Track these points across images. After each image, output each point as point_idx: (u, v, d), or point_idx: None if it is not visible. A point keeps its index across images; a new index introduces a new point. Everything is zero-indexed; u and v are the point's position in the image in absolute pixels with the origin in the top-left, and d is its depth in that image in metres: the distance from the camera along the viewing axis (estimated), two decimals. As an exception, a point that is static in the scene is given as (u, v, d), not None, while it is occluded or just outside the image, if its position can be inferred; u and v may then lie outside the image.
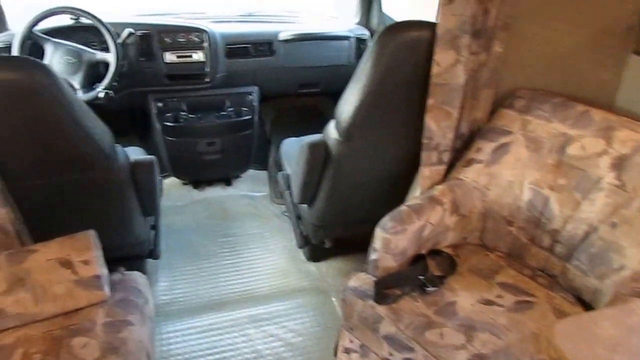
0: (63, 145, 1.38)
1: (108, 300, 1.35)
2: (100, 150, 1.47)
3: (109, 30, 2.04)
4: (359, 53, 2.60)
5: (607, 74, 1.54)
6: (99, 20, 2.03)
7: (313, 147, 1.75)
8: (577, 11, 1.53)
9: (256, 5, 2.85)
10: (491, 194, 1.59)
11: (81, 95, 1.99)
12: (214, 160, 2.54)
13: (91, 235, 1.37)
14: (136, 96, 2.37)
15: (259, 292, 2.09)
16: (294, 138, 2.36)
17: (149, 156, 1.74)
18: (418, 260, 1.52)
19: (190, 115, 2.42)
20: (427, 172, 1.64)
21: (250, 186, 2.85)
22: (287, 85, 2.65)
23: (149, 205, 1.80)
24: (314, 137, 1.81)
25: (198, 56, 2.35)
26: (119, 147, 1.60)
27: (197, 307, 1.99)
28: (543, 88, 1.61)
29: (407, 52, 1.49)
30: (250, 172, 2.86)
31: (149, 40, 2.28)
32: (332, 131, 1.72)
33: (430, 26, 1.47)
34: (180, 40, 2.32)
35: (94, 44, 2.17)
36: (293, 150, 2.18)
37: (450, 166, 1.67)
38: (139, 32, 2.23)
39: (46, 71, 1.24)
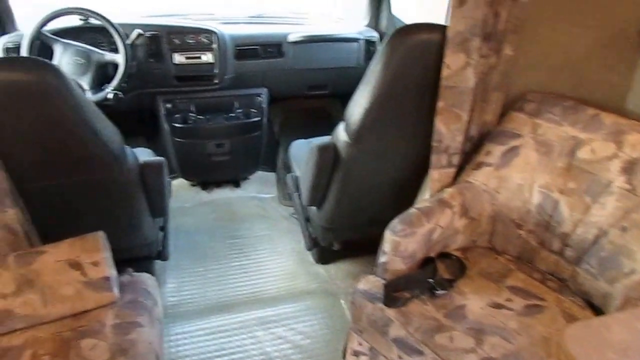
0: (72, 146, 1.38)
1: (117, 301, 1.35)
2: (109, 152, 1.47)
3: (118, 31, 2.05)
4: (368, 55, 2.60)
5: (617, 77, 1.53)
6: (108, 21, 2.04)
7: (322, 150, 1.74)
8: (588, 14, 1.52)
9: (265, 7, 2.86)
10: (501, 197, 1.58)
11: (90, 96, 1.99)
12: (223, 161, 2.54)
13: (100, 237, 1.37)
14: (145, 97, 2.38)
15: (268, 294, 2.09)
16: (302, 140, 2.36)
17: (158, 157, 1.74)
18: (427, 263, 1.52)
19: (199, 117, 2.43)
20: (436, 175, 1.64)
21: (259, 188, 2.85)
22: (296, 87, 2.65)
23: (158, 206, 1.80)
24: (323, 139, 1.80)
25: (207, 57, 2.35)
26: (128, 149, 1.61)
27: (206, 308, 2.00)
28: (553, 91, 1.60)
29: (417, 54, 1.48)
30: (259, 173, 2.87)
31: (158, 41, 2.28)
32: (341, 133, 1.72)
33: (441, 29, 1.46)
34: (190, 41, 2.32)
35: (102, 44, 2.18)
36: (302, 152, 2.18)
37: (460, 169, 1.67)
38: (148, 33, 2.23)
39: (56, 72, 1.25)
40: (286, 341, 1.85)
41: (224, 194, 2.81)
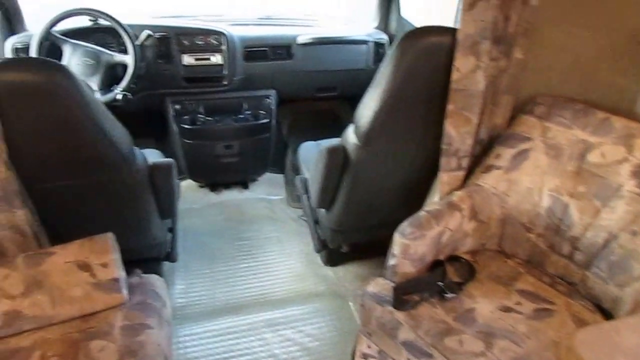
0: (82, 147, 1.39)
1: (126, 303, 1.36)
2: (118, 153, 1.48)
3: (127, 32, 2.06)
4: (377, 57, 2.60)
5: (627, 80, 1.52)
6: (118, 22, 2.05)
7: (332, 152, 1.74)
8: (599, 18, 1.52)
9: (274, 9, 2.86)
10: (510, 201, 1.57)
11: (99, 97, 2.00)
12: (231, 163, 2.55)
13: (110, 238, 1.37)
14: (154, 98, 2.39)
15: (276, 296, 2.09)
16: (311, 142, 2.36)
17: (167, 159, 1.75)
18: (436, 266, 1.52)
19: (208, 118, 2.43)
20: (445, 178, 1.63)
21: (267, 189, 2.86)
22: (304, 89, 2.65)
23: (167, 207, 1.80)
24: (333, 142, 1.80)
25: (216, 59, 2.35)
26: (137, 150, 1.61)
27: (214, 310, 2.00)
28: (563, 95, 1.59)
29: (427, 57, 1.48)
30: (267, 175, 2.87)
31: (167, 42, 2.29)
32: (350, 136, 1.72)
33: (451, 32, 1.46)
34: (199, 42, 2.33)
35: (111, 45, 2.19)
36: (311, 154, 2.18)
37: (469, 172, 1.66)
38: (157, 34, 2.24)
39: (66, 73, 1.25)
40: (294, 343, 1.85)
41: (233, 195, 2.81)
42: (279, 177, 2.92)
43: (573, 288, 1.48)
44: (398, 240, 1.46)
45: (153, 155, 1.97)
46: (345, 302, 2.07)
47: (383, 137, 1.66)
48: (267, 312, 1.99)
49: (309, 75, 2.58)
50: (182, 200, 2.48)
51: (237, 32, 2.41)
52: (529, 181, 1.54)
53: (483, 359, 1.23)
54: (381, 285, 1.47)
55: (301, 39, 2.46)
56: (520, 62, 1.54)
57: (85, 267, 1.30)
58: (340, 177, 1.82)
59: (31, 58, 1.87)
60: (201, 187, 2.82)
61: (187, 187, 2.77)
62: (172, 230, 2.09)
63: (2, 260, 1.29)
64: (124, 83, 2.06)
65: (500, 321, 1.34)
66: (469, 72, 1.47)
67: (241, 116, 2.49)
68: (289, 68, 2.52)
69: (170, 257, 2.05)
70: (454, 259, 1.57)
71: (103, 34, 2.19)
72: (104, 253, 1.33)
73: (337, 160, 1.76)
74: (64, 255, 1.31)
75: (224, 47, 2.34)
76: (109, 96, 2.03)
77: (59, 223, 1.51)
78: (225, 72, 2.38)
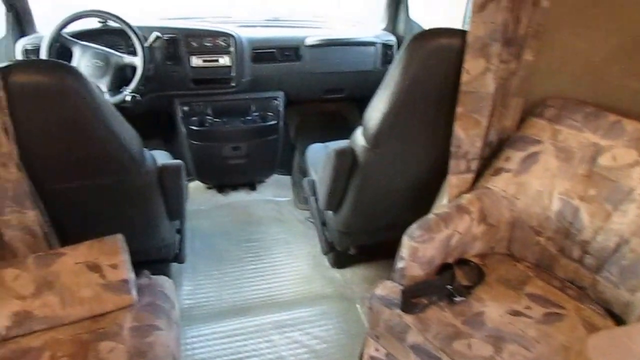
0: (92, 148, 1.40)
1: (135, 304, 1.36)
2: (128, 154, 1.48)
3: (136, 34, 2.06)
4: (385, 59, 2.60)
5: (639, 83, 1.50)
6: (127, 24, 2.06)
7: (340, 154, 1.74)
8: (610, 20, 1.51)
9: (282, 10, 2.87)
10: (520, 204, 1.56)
11: (108, 98, 2.01)
12: (239, 164, 2.55)
13: (119, 239, 1.38)
14: (162, 100, 2.40)
15: (283, 298, 2.09)
16: (319, 144, 2.36)
17: (176, 161, 1.75)
18: (445, 269, 1.51)
19: (216, 120, 2.44)
20: (454, 181, 1.62)
21: (275, 191, 2.86)
22: (312, 91, 2.65)
23: (176, 209, 1.81)
24: (341, 144, 1.80)
25: (224, 60, 2.36)
26: (146, 151, 1.61)
27: (221, 311, 2.00)
28: (573, 97, 1.58)
29: (436, 59, 1.47)
30: (274, 177, 2.87)
31: (176, 44, 2.30)
32: (359, 138, 1.71)
33: (461, 34, 1.45)
34: (207, 44, 2.33)
35: (120, 47, 2.20)
36: (319, 156, 2.18)
37: (479, 175, 1.65)
38: (165, 36, 2.25)
39: (76, 74, 1.26)
40: (302, 345, 1.85)
41: (240, 197, 2.81)
42: (286, 179, 2.92)
43: (583, 292, 1.47)
44: (407, 243, 1.45)
45: (162, 157, 1.97)
46: (352, 305, 2.06)
47: (392, 139, 1.66)
48: (275, 314, 1.99)
49: (316, 77, 2.58)
50: (190, 202, 2.49)
51: (245, 34, 2.41)
52: (539, 184, 1.53)
53: (492, 363, 1.23)
54: (389, 288, 1.47)
55: (309, 41, 2.46)
56: (530, 64, 1.53)
57: (95, 268, 1.30)
58: (348, 180, 1.81)
59: (42, 60, 1.88)
60: (209, 188, 2.83)
61: (195, 189, 2.78)
62: (180, 231, 2.09)
63: (13, 261, 1.30)
64: (133, 84, 2.07)
65: (509, 325, 1.33)
66: (479, 75, 1.46)
67: (249, 118, 2.49)
68: (296, 70, 2.52)
69: (178, 258, 2.05)
70: (462, 262, 1.56)
71: (112, 35, 2.20)
72: (114, 254, 1.33)
73: (345, 163, 1.76)
74: (74, 256, 1.31)
75: (232, 49, 2.34)
76: (118, 97, 2.04)
77: (68, 224, 1.51)
78: (233, 73, 2.38)
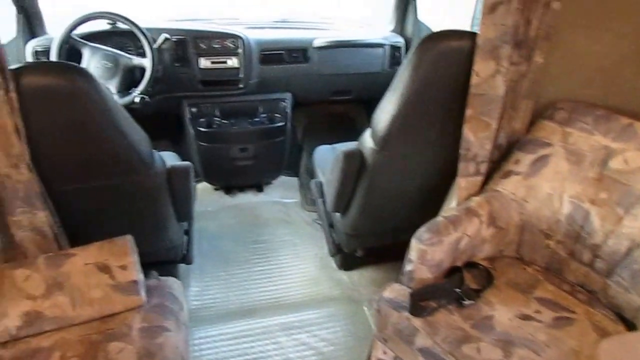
0: (102, 150, 1.40)
1: (144, 305, 1.36)
2: (138, 156, 1.49)
3: (145, 36, 2.07)
4: (394, 61, 2.59)
5: (651, 86, 1.50)
6: (136, 26, 2.06)
7: (348, 156, 1.74)
8: (622, 22, 1.49)
9: (291, 12, 2.87)
10: (529, 207, 1.55)
11: (117, 100, 2.02)
12: (247, 166, 2.55)
13: (129, 240, 1.38)
14: (170, 101, 2.41)
15: (290, 300, 2.08)
16: (327, 146, 2.35)
17: (185, 162, 1.75)
18: (453, 272, 1.50)
19: (224, 121, 2.44)
20: (463, 183, 1.62)
21: (282, 192, 2.86)
22: (320, 92, 2.65)
23: (184, 210, 1.81)
24: (349, 146, 1.79)
25: (232, 62, 2.36)
26: (156, 153, 1.62)
27: (228, 313, 2.00)
28: (584, 100, 1.57)
29: (446, 61, 1.47)
30: (282, 178, 2.87)
31: (185, 45, 2.30)
32: (367, 140, 1.71)
33: (470, 36, 1.44)
34: (215, 46, 2.34)
35: (129, 48, 2.21)
36: (326, 158, 2.18)
37: (488, 177, 1.65)
38: (174, 38, 2.26)
39: (87, 76, 1.26)
40: (309, 348, 1.85)
41: (247, 198, 2.82)
42: (294, 180, 2.92)
43: (593, 296, 1.46)
44: (415, 246, 1.45)
45: (170, 158, 1.98)
46: (359, 307, 2.06)
47: (400, 141, 1.65)
48: (282, 315, 1.99)
49: (324, 79, 2.58)
50: (197, 203, 2.49)
51: (253, 36, 2.41)
52: (549, 187, 1.52)
53: (502, 367, 1.22)
54: (397, 291, 1.46)
55: (317, 42, 2.46)
56: (540, 67, 1.52)
57: (104, 269, 1.31)
58: (356, 182, 1.81)
59: (54, 62, 1.89)
60: (216, 189, 2.83)
61: (202, 190, 2.78)
62: (188, 232, 2.10)
63: (23, 262, 1.31)
64: (141, 86, 2.08)
65: (519, 329, 1.32)
66: (489, 77, 1.46)
67: (257, 119, 2.49)
68: (304, 71, 2.52)
69: (186, 259, 2.06)
70: (471, 265, 1.56)
71: (121, 37, 2.21)
72: (123, 255, 1.34)
73: (354, 165, 1.76)
74: (84, 257, 1.32)
75: (240, 51, 2.35)
76: (127, 99, 2.05)
77: (78, 224, 1.52)
78: (241, 75, 2.39)
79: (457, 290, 1.42)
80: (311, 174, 2.49)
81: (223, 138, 2.46)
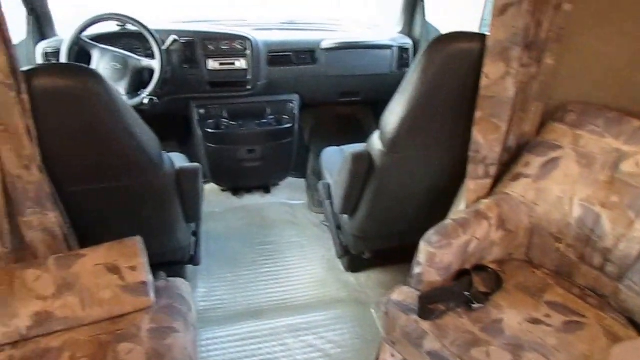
0: (112, 151, 1.41)
1: (153, 306, 1.37)
2: (148, 157, 1.49)
3: (154, 37, 2.07)
4: (401, 62, 2.59)
5: (664, 88, 1.49)
6: (145, 28, 2.07)
7: (357, 158, 1.73)
8: (633, 23, 1.48)
9: (298, 13, 2.87)
10: (539, 210, 1.55)
11: (126, 101, 2.02)
12: (254, 167, 2.55)
13: (138, 242, 1.38)
14: (179, 102, 2.41)
15: (298, 302, 2.08)
16: (334, 147, 2.35)
17: (194, 164, 1.76)
18: (462, 275, 1.50)
19: (231, 122, 2.44)
20: (472, 186, 1.61)
21: (289, 194, 2.86)
22: (328, 94, 2.65)
23: (192, 211, 1.81)
24: (357, 148, 1.79)
25: (240, 64, 2.36)
26: (165, 154, 1.62)
27: (236, 314, 2.00)
28: (595, 102, 1.56)
29: (455, 63, 1.46)
30: (289, 179, 2.87)
31: (193, 47, 2.31)
32: (376, 142, 1.71)
33: (480, 38, 1.44)
34: (224, 47, 2.34)
35: (138, 50, 2.22)
36: (334, 160, 2.18)
37: (497, 180, 1.64)
38: (183, 39, 2.26)
39: (98, 79, 1.27)
40: (316, 350, 1.84)
41: (254, 199, 2.82)
42: (301, 182, 2.92)
43: (604, 301, 1.44)
44: (424, 249, 1.44)
45: (179, 160, 1.98)
46: (367, 309, 2.05)
47: (409, 143, 1.65)
48: (289, 317, 1.99)
49: (332, 80, 2.58)
50: (205, 204, 2.49)
51: (261, 37, 2.42)
52: (559, 190, 1.51)
53: (512, 371, 1.21)
54: (406, 294, 1.46)
55: (325, 44, 2.46)
56: (551, 69, 1.51)
57: (114, 269, 1.31)
58: (365, 184, 1.81)
59: (65, 64, 1.90)
60: (223, 190, 2.84)
61: (210, 191, 2.79)
62: (195, 233, 2.10)
63: (33, 262, 1.32)
64: (150, 87, 2.08)
65: (528, 333, 1.31)
66: (499, 79, 1.45)
67: (264, 121, 2.49)
68: (312, 73, 2.52)
69: (194, 260, 2.06)
70: (480, 268, 1.55)
71: (130, 39, 2.22)
72: (133, 256, 1.34)
73: (362, 167, 1.75)
74: (94, 258, 1.32)
75: (248, 52, 2.35)
76: (135, 100, 2.05)
77: (87, 225, 1.52)
78: (249, 76, 2.39)
79: (466, 293, 1.41)
80: (318, 175, 2.49)
81: (231, 139, 2.46)
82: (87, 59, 2.09)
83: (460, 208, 1.69)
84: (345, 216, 2.03)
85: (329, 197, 2.20)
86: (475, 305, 1.39)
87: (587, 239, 1.47)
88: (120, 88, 2.07)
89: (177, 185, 1.67)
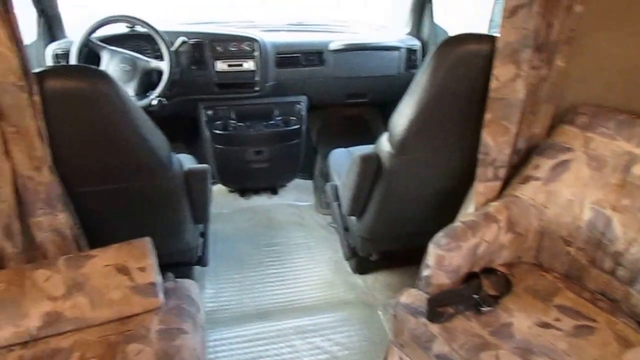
0: (122, 152, 1.41)
1: (162, 307, 1.37)
2: (157, 159, 1.50)
3: (163, 39, 2.08)
4: (409, 64, 2.58)
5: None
6: (154, 29, 2.08)
7: (365, 160, 1.73)
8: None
9: (306, 15, 2.87)
10: (549, 213, 1.54)
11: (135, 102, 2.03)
12: (262, 169, 2.56)
13: (147, 242, 1.39)
14: (187, 104, 2.42)
15: (305, 303, 2.08)
16: (342, 149, 2.35)
17: (203, 165, 1.76)
18: (471, 278, 1.49)
19: (239, 124, 2.45)
20: (481, 188, 1.60)
21: (296, 195, 2.86)
22: (335, 95, 2.65)
23: (201, 213, 1.82)
24: (366, 149, 1.79)
25: (248, 65, 2.37)
26: (174, 156, 1.63)
27: (243, 315, 2.00)
28: (606, 104, 1.54)
29: (465, 65, 1.45)
30: (296, 181, 2.88)
31: (201, 48, 2.32)
32: (384, 144, 1.70)
33: (489, 39, 1.43)
34: (232, 49, 2.35)
35: (147, 51, 2.23)
36: (342, 161, 2.17)
37: (506, 183, 1.63)
38: (191, 41, 2.27)
39: (109, 80, 1.28)
40: (324, 352, 1.84)
41: (262, 201, 2.82)
42: (308, 183, 2.92)
43: (615, 305, 1.43)
44: (433, 251, 1.44)
45: (187, 161, 1.99)
46: (374, 312, 2.04)
47: (418, 145, 1.64)
48: (296, 319, 1.99)
49: (340, 82, 2.58)
50: (212, 205, 2.49)
51: (269, 39, 2.42)
52: (570, 193, 1.50)
53: (522, 375, 1.20)
54: (414, 296, 1.45)
55: (333, 45, 2.46)
56: (561, 70, 1.50)
57: (123, 270, 1.31)
58: (373, 186, 1.80)
59: (76, 65, 1.91)
60: (231, 192, 2.84)
61: (217, 192, 2.79)
62: (203, 234, 2.11)
63: (44, 262, 1.32)
64: (159, 89, 2.09)
65: (538, 337, 1.30)
66: (508, 81, 1.44)
67: (272, 122, 2.50)
68: (320, 74, 2.52)
69: (202, 261, 2.06)
70: (489, 271, 1.54)
71: (139, 40, 2.23)
72: (142, 257, 1.34)
73: (371, 168, 1.75)
74: (104, 259, 1.32)
75: (256, 54, 2.35)
76: (144, 101, 2.06)
77: (97, 226, 1.53)
78: (257, 78, 2.39)
79: (475, 296, 1.40)
80: (325, 176, 2.49)
81: (238, 141, 2.46)
82: (97, 60, 2.10)
83: (469, 210, 1.68)
84: (353, 218, 2.03)
85: (337, 198, 2.20)
86: (485, 309, 1.38)
87: (597, 242, 1.45)
88: (129, 89, 2.07)
89: (186, 186, 1.68)
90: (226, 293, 2.13)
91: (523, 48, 1.40)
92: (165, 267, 1.54)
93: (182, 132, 2.73)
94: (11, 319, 1.23)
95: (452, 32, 2.48)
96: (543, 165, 1.55)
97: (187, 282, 1.49)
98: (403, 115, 1.60)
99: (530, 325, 1.35)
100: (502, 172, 1.60)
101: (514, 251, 1.58)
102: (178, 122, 2.59)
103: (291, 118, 2.51)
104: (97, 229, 1.54)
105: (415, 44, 2.61)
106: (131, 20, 2.08)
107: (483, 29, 2.61)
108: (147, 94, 2.11)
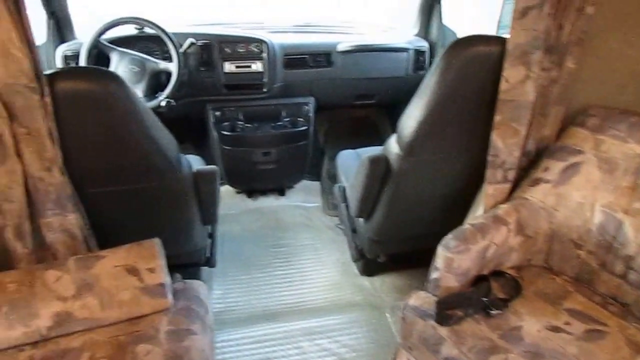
0: (132, 154, 1.42)
1: (171, 308, 1.37)
2: (167, 160, 1.50)
3: (172, 40, 2.09)
4: (418, 65, 2.58)
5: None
6: (164, 31, 2.08)
7: (374, 161, 1.73)
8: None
9: (314, 16, 2.87)
10: (559, 216, 1.53)
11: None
12: (269, 170, 2.56)
13: (157, 244, 1.39)
14: (195, 105, 2.42)
15: (312, 305, 2.08)
16: (350, 150, 2.35)
17: (211, 166, 1.76)
18: (480, 281, 1.48)
19: (247, 125, 2.45)
20: (491, 190, 1.60)
21: (303, 197, 2.86)
22: (343, 97, 2.65)
23: (209, 214, 1.82)
24: (374, 151, 1.79)
25: (256, 66, 2.37)
26: (183, 157, 1.63)
27: (251, 316, 2.00)
28: (617, 106, 1.53)
29: (474, 67, 1.45)
30: (303, 182, 2.88)
31: (210, 50, 2.32)
32: (393, 145, 1.70)
33: (500, 41, 1.43)
34: (240, 50, 2.35)
35: (156, 53, 2.23)
36: (350, 163, 2.17)
37: (516, 185, 1.62)
38: (200, 42, 2.27)
39: (119, 82, 1.28)
40: (331, 353, 1.84)
41: (269, 202, 2.83)
42: (315, 185, 2.92)
43: (626, 309, 1.42)
44: (442, 254, 1.43)
45: (196, 162, 1.99)
46: (382, 314, 2.04)
47: (427, 147, 1.64)
48: (304, 320, 1.98)
49: (348, 83, 2.58)
50: (220, 206, 2.49)
51: (277, 40, 2.42)
52: (580, 196, 1.49)
53: (532, 379, 1.20)
54: (423, 299, 1.45)
55: (341, 47, 2.46)
56: (572, 72, 1.49)
57: (133, 271, 1.31)
58: (381, 187, 1.80)
59: (87, 67, 1.92)
60: (238, 193, 2.85)
61: (225, 193, 2.80)
62: (211, 235, 2.11)
63: (54, 263, 1.32)
64: (168, 90, 2.09)
65: (548, 341, 1.30)
66: (518, 83, 1.44)
67: (280, 123, 2.50)
68: (328, 76, 2.52)
69: (210, 262, 2.07)
70: (498, 274, 1.53)
71: (147, 42, 2.24)
72: (152, 258, 1.34)
73: (379, 170, 1.75)
74: (114, 259, 1.33)
75: (264, 55, 2.36)
76: (153, 103, 2.07)
77: (106, 227, 1.53)
78: (265, 79, 2.39)
79: (484, 299, 1.40)
80: (333, 178, 2.49)
81: (246, 142, 2.46)
82: (106, 61, 2.11)
83: (478, 213, 1.67)
84: (361, 219, 2.02)
85: (344, 200, 2.19)
86: (494, 312, 1.38)
87: (608, 245, 1.44)
88: (138, 90, 2.08)
89: (194, 187, 1.68)
90: (234, 294, 2.13)
91: (533, 50, 1.39)
92: (173, 268, 1.54)
93: (190, 133, 2.73)
94: (22, 319, 1.23)
95: (461, 33, 2.47)
96: (553, 168, 1.55)
97: (195, 283, 1.50)
98: (412, 117, 1.59)
99: (540, 329, 1.34)
100: (511, 175, 1.59)
101: (524, 254, 1.58)
102: (186, 123, 2.60)
103: (299, 119, 2.52)
104: (106, 230, 1.54)
105: (424, 45, 2.60)
106: (140, 22, 2.09)
107: (491, 30, 2.60)
108: (156, 95, 2.11)
